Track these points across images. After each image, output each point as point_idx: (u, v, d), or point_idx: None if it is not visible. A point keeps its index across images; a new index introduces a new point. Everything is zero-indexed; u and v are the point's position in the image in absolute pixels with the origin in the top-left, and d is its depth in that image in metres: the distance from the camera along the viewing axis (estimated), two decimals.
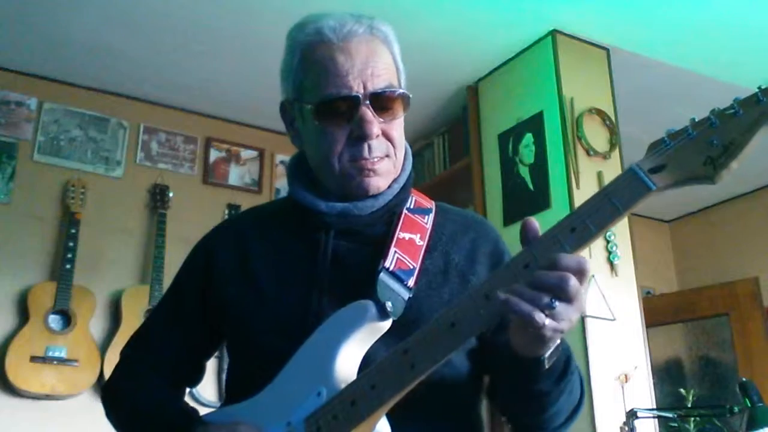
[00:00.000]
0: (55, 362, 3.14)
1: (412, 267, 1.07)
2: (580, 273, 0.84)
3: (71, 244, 3.32)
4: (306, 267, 1.11)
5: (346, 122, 1.07)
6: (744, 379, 2.28)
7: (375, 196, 1.12)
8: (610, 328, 2.87)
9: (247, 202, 3.78)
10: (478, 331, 0.90)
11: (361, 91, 1.06)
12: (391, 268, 1.05)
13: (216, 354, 1.41)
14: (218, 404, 3.27)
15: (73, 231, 3.36)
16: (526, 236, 0.89)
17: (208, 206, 3.81)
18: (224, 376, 3.64)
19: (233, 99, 3.84)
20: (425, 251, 1.11)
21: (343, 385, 0.98)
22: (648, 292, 4.80)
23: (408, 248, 1.09)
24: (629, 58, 3.38)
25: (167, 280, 3.33)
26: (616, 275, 2.96)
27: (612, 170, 3.15)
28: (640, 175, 0.85)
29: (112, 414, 1.21)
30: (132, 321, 3.30)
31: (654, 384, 2.99)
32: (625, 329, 2.92)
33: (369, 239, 1.12)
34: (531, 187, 3.21)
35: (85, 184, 3.51)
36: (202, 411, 1.14)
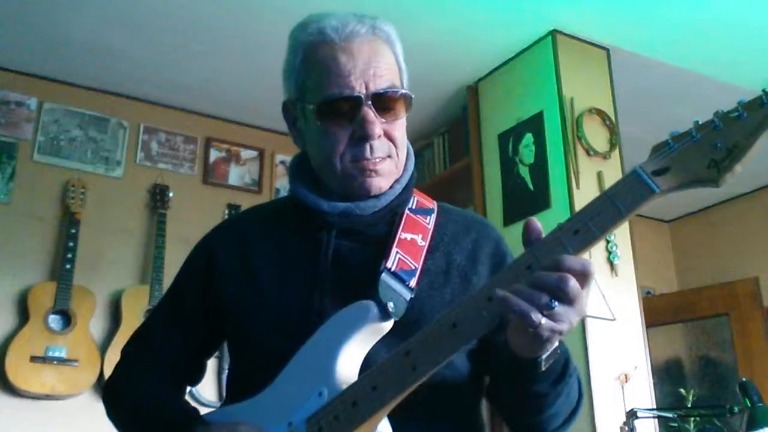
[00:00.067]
0: (55, 362, 3.14)
1: (413, 267, 1.07)
2: (584, 276, 0.84)
3: (71, 244, 3.32)
4: (307, 266, 1.11)
5: (348, 122, 1.07)
6: (744, 379, 2.28)
7: (377, 196, 1.11)
8: (610, 328, 2.87)
9: (247, 202, 3.78)
10: (480, 333, 0.89)
11: (363, 91, 1.06)
12: (392, 269, 1.05)
13: (216, 354, 1.41)
14: (218, 404, 3.27)
15: (73, 231, 3.36)
16: (529, 236, 0.89)
17: (208, 206, 3.81)
18: (224, 376, 3.65)
19: (233, 99, 3.84)
20: (427, 252, 1.11)
21: (344, 386, 0.98)
22: (648, 292, 4.80)
23: (410, 249, 1.09)
24: (629, 58, 3.38)
25: (167, 280, 3.34)
26: (616, 275, 2.96)
27: (612, 170, 3.15)
28: (643, 177, 0.84)
29: (112, 413, 1.21)
30: (132, 321, 3.30)
31: (654, 384, 2.99)
32: (625, 329, 2.92)
33: (371, 239, 1.11)
34: (531, 187, 3.21)
35: (85, 184, 3.51)
36: (202, 411, 1.14)
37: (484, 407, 1.18)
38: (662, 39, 3.25)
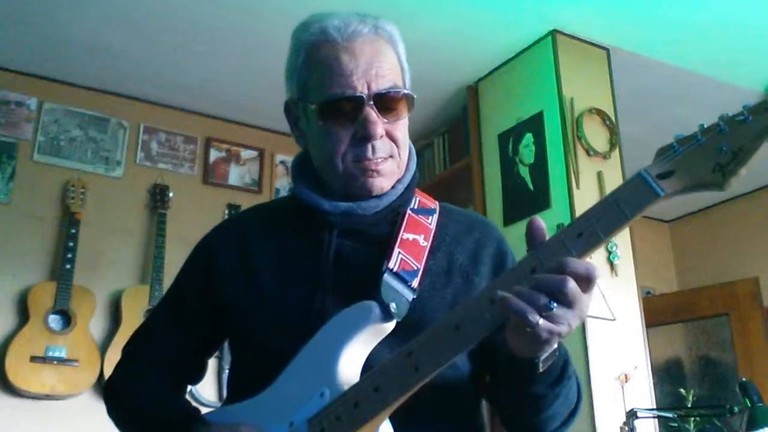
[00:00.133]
0: (55, 362, 3.14)
1: (416, 268, 1.07)
2: (587, 279, 0.84)
3: (71, 244, 3.32)
4: (309, 266, 1.10)
5: (350, 122, 1.07)
6: (744, 379, 2.28)
7: (379, 197, 1.11)
8: (610, 328, 2.87)
9: (247, 202, 3.78)
10: (483, 335, 0.89)
11: (365, 91, 1.06)
12: (395, 269, 1.05)
13: (216, 354, 1.40)
14: (218, 404, 3.27)
15: (73, 231, 3.36)
16: (532, 235, 0.89)
17: (208, 206, 3.81)
18: (224, 376, 3.65)
19: (233, 99, 3.84)
20: (429, 252, 1.11)
21: (346, 387, 0.97)
22: (648, 292, 4.80)
23: (412, 249, 1.09)
24: (629, 58, 3.38)
25: (167, 280, 3.34)
26: (616, 275, 2.96)
27: (612, 170, 3.15)
28: (648, 180, 0.84)
29: (113, 412, 1.21)
30: (132, 321, 3.30)
31: (654, 384, 2.99)
32: (625, 329, 2.92)
33: (373, 239, 1.11)
34: (531, 187, 3.21)
35: (85, 184, 3.51)
36: (202, 410, 1.14)
37: (485, 407, 1.18)
38: (662, 39, 3.25)
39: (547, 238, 0.89)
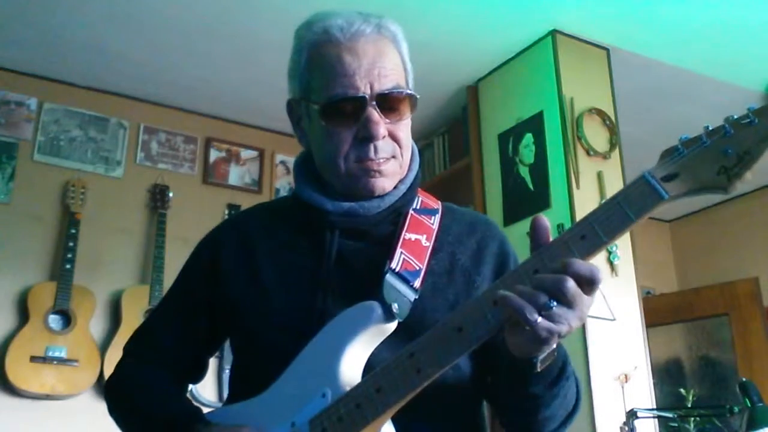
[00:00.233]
0: (55, 362, 3.14)
1: (418, 268, 1.07)
2: (590, 281, 0.83)
3: (71, 244, 3.32)
4: (311, 266, 1.10)
5: (352, 123, 1.07)
6: (744, 379, 2.27)
7: (381, 197, 1.11)
8: (610, 328, 2.87)
9: (247, 202, 3.78)
10: (485, 337, 0.89)
11: (368, 91, 1.06)
12: (397, 269, 1.05)
13: (216, 354, 1.40)
14: (218, 404, 3.27)
15: (73, 231, 3.36)
16: (536, 234, 0.89)
17: (208, 206, 3.81)
18: (224, 376, 3.64)
19: (233, 99, 3.84)
20: (431, 252, 1.11)
21: (347, 387, 0.97)
22: (648, 292, 4.80)
23: (414, 249, 1.09)
24: (629, 58, 3.38)
25: (167, 280, 3.34)
26: (616, 275, 2.96)
27: (612, 170, 3.15)
28: (652, 183, 0.84)
29: (115, 411, 1.21)
30: (132, 321, 3.30)
31: (654, 384, 2.99)
32: (625, 329, 2.92)
33: (375, 239, 1.11)
34: (531, 187, 3.21)
35: (85, 184, 3.51)
36: (203, 410, 1.14)
37: (486, 407, 1.17)
38: (662, 39, 3.25)
39: (551, 236, 0.89)
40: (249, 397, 1.07)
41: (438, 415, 1.06)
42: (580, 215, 2.54)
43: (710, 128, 0.84)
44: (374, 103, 1.06)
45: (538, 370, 0.91)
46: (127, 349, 1.27)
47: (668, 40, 3.25)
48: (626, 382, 2.82)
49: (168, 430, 1.09)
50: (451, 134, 3.91)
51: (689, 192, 0.84)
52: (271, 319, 1.10)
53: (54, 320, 3.24)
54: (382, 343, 1.02)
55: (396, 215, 1.13)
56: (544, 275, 0.84)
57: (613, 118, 3.24)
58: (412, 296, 1.04)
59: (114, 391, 1.24)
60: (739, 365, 4.35)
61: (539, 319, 0.83)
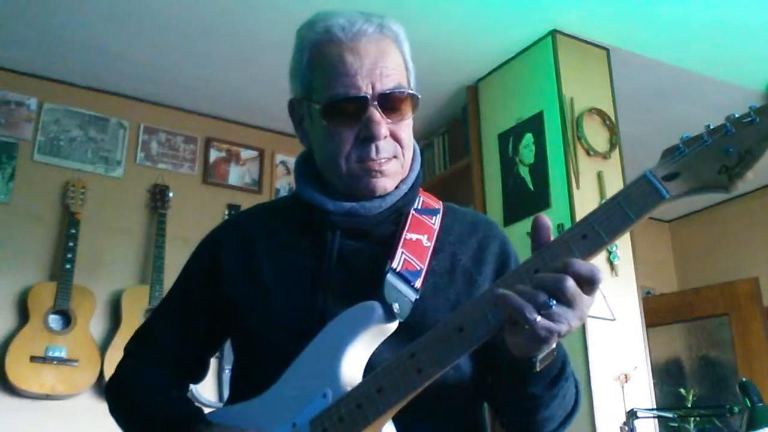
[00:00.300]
0: (55, 362, 3.14)
1: (419, 268, 1.07)
2: (590, 281, 0.83)
3: (71, 244, 3.32)
4: (312, 266, 1.10)
5: (354, 123, 1.07)
6: (744, 379, 2.27)
7: (383, 197, 1.11)
8: (610, 328, 2.87)
9: (247, 202, 3.78)
10: (486, 337, 0.89)
11: (370, 91, 1.06)
12: (398, 269, 1.04)
13: (216, 354, 1.40)
14: (218, 404, 3.27)
15: (73, 231, 3.36)
16: (537, 233, 0.89)
17: (208, 206, 3.81)
18: (224, 376, 3.64)
19: (233, 99, 3.84)
20: (432, 252, 1.10)
21: (348, 387, 0.97)
22: (648, 292, 4.80)
23: (415, 249, 1.09)
24: (629, 58, 3.38)
25: (167, 280, 3.34)
26: (616, 275, 2.96)
27: (612, 170, 3.15)
28: (653, 182, 0.84)
29: (116, 411, 1.21)
30: (132, 321, 3.30)
31: (654, 384, 2.99)
32: (625, 329, 2.92)
33: (376, 239, 1.11)
34: (531, 187, 3.21)
35: (85, 184, 3.51)
36: (204, 411, 1.14)
37: (486, 408, 1.17)
38: (662, 39, 3.25)
39: (552, 235, 0.89)
40: (250, 398, 1.07)
41: (439, 415, 1.06)
42: (580, 215, 2.54)
43: (711, 127, 0.84)
44: (376, 103, 1.06)
45: (538, 369, 0.91)
46: (128, 349, 1.27)
47: (668, 40, 3.25)
48: (626, 382, 2.82)
49: (169, 430, 1.09)
50: (451, 134, 3.90)
51: (690, 191, 0.83)
52: (271, 319, 1.10)
53: (54, 320, 3.24)
54: (382, 343, 1.02)
55: (397, 215, 1.13)
56: (544, 275, 0.84)
57: (613, 118, 3.24)
58: (413, 296, 1.04)
59: (115, 392, 1.23)
60: (739, 365, 4.35)
61: (538, 318, 0.82)
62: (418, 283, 1.05)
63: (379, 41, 1.09)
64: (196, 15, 3.11)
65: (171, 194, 3.70)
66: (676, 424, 3.07)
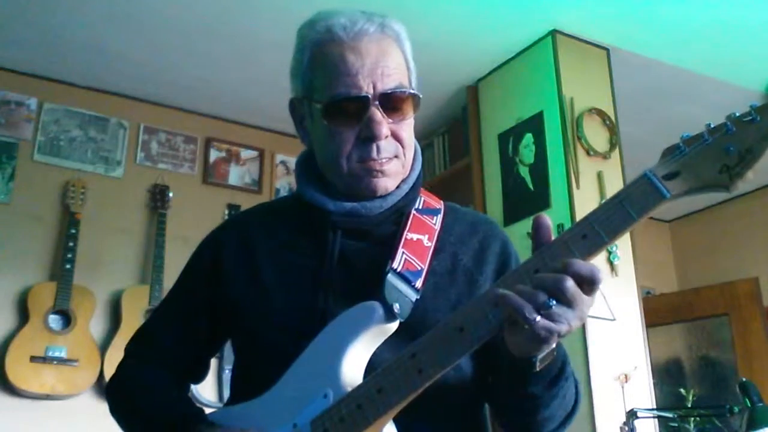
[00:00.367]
0: (55, 362, 3.14)
1: (420, 268, 1.06)
2: (591, 281, 0.83)
3: (71, 244, 3.32)
4: (313, 266, 1.10)
5: (355, 122, 1.06)
6: (744, 379, 2.27)
7: (383, 196, 1.11)
8: (610, 328, 2.87)
9: (247, 202, 3.78)
10: (486, 337, 0.89)
11: (371, 91, 1.05)
12: (398, 269, 1.04)
13: (216, 354, 1.40)
14: (218, 404, 3.27)
15: (73, 231, 3.36)
16: (538, 233, 0.89)
17: (208, 206, 3.81)
18: (225, 376, 3.63)
19: (233, 99, 3.84)
20: (433, 252, 1.10)
21: (349, 388, 0.97)
22: (648, 292, 4.80)
23: (416, 249, 1.08)
24: (629, 58, 3.38)
25: (167, 280, 3.34)
26: (616, 275, 2.96)
27: (612, 170, 3.15)
28: (654, 181, 0.83)
29: (117, 412, 1.21)
30: (132, 321, 3.30)
31: (654, 384, 2.99)
32: (625, 329, 2.92)
33: (377, 239, 1.11)
34: (531, 187, 3.21)
35: (85, 184, 3.51)
36: (205, 411, 1.14)
37: (487, 408, 1.17)
38: (662, 39, 3.25)
39: (553, 235, 0.88)
40: (251, 398, 1.07)
41: (440, 416, 1.06)
42: (580, 215, 2.54)
43: (712, 126, 0.84)
44: (377, 102, 1.06)
45: (537, 369, 0.91)
46: (129, 349, 1.27)
47: (668, 40, 3.25)
48: (626, 382, 2.82)
49: (170, 430, 1.08)
50: (451, 134, 3.90)
51: (691, 190, 0.83)
52: (271, 319, 1.10)
53: (54, 320, 3.24)
54: (383, 343, 1.02)
55: (398, 215, 1.13)
56: (544, 275, 0.84)
57: (613, 118, 3.25)
58: (413, 296, 1.03)
59: (116, 392, 1.23)
60: (739, 365, 4.35)
61: (538, 318, 0.82)
62: (418, 283, 1.05)
63: (381, 41, 1.09)
64: (196, 15, 3.11)
65: (171, 194, 3.70)
66: (676, 424, 3.07)
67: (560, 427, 1.06)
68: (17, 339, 3.12)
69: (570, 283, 0.82)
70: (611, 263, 2.96)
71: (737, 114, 0.82)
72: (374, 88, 1.06)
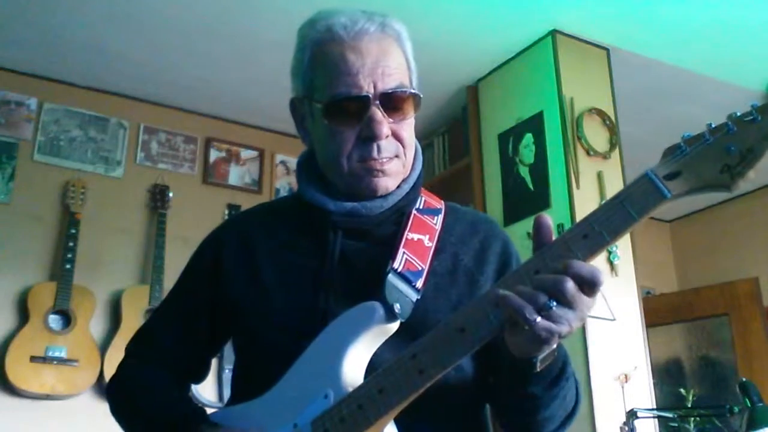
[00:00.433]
0: (55, 362, 3.14)
1: (420, 268, 1.06)
2: (591, 282, 0.83)
3: (71, 244, 3.32)
4: (313, 266, 1.10)
5: (356, 122, 1.06)
6: (744, 379, 2.27)
7: (384, 196, 1.11)
8: (610, 328, 2.87)
9: (247, 202, 3.78)
10: (487, 337, 0.89)
11: (372, 90, 1.05)
12: (399, 269, 1.04)
13: (217, 354, 1.40)
14: (218, 404, 3.27)
15: (73, 231, 3.36)
16: (539, 233, 0.89)
17: (208, 206, 3.81)
18: (225, 376, 3.63)
19: (233, 99, 3.84)
20: (434, 252, 1.10)
21: (350, 388, 0.97)
22: (648, 292, 4.80)
23: (416, 249, 1.08)
24: (629, 58, 3.38)
25: (167, 280, 3.34)
26: (616, 275, 2.96)
27: (612, 170, 3.15)
28: (655, 181, 0.83)
29: (117, 412, 1.21)
30: (132, 321, 3.30)
31: (654, 384, 2.99)
32: (625, 329, 2.92)
33: (377, 239, 1.11)
34: (531, 187, 3.21)
35: (85, 184, 3.51)
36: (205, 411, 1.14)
37: (488, 408, 1.17)
38: (662, 39, 3.25)
39: (554, 235, 0.88)
40: (251, 398, 1.07)
41: (441, 416, 1.05)
42: (580, 215, 2.54)
43: (713, 126, 0.84)
44: (377, 102, 1.06)
45: (538, 369, 0.91)
46: (129, 349, 1.27)
47: (668, 40, 3.25)
48: (626, 382, 2.82)
49: (171, 430, 1.08)
50: (451, 134, 3.90)
51: (692, 190, 0.83)
52: (271, 319, 1.09)
53: (54, 320, 3.24)
54: (384, 343, 1.02)
55: (399, 215, 1.13)
56: (544, 275, 0.84)
57: (613, 118, 3.25)
58: (414, 296, 1.03)
59: (116, 392, 1.23)
60: (739, 365, 4.35)
61: (538, 319, 0.82)
62: (419, 284, 1.05)
63: (381, 40, 1.09)
64: (196, 15, 3.11)
65: (171, 194, 3.70)
66: (676, 424, 3.07)
67: (560, 428, 1.06)
68: (17, 339, 3.12)
69: (570, 285, 0.82)
70: (611, 263, 2.96)
71: (738, 114, 0.82)
72: (375, 87, 1.06)
